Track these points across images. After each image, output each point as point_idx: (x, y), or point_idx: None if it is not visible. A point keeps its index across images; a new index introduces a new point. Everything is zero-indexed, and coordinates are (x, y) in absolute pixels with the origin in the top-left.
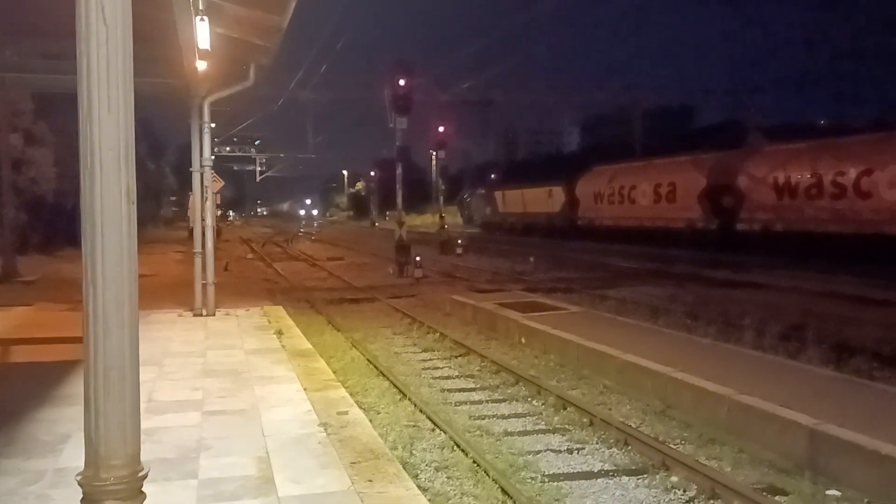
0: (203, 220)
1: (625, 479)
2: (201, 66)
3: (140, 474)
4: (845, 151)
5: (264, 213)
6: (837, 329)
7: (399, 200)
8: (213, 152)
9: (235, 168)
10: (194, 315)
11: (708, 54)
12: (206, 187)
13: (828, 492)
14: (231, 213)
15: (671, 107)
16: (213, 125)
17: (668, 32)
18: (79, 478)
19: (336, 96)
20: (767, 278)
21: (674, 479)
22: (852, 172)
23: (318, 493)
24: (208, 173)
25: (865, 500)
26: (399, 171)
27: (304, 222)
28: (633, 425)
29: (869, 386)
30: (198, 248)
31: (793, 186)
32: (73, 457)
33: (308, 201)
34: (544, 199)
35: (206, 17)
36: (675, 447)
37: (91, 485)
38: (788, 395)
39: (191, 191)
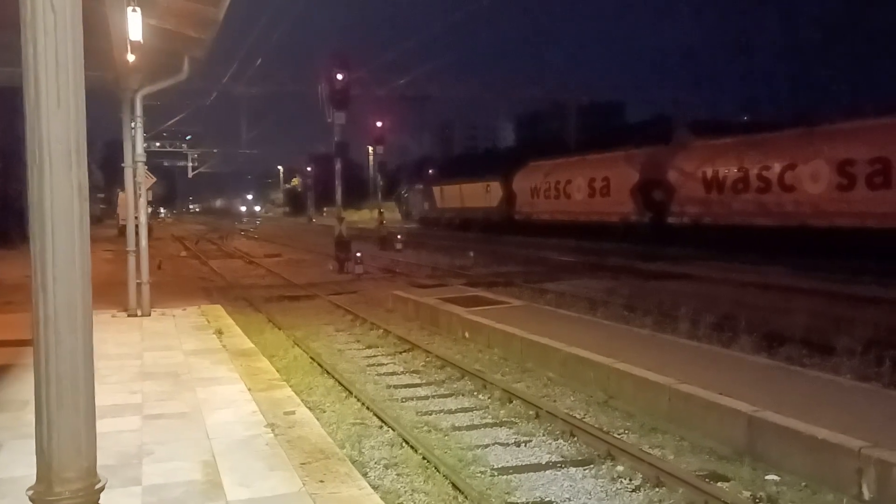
0: (136, 217)
1: (572, 469)
2: (132, 58)
3: (97, 486)
4: (770, 147)
5: (197, 209)
6: (768, 318)
7: (338, 196)
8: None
9: (166, 164)
10: (129, 315)
11: (638, 51)
12: (139, 183)
13: (767, 477)
14: (162, 210)
15: (603, 103)
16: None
17: (600, 30)
18: (30, 493)
19: (271, 91)
20: (699, 270)
21: (619, 468)
22: (777, 167)
23: (268, 497)
24: (141, 169)
25: (803, 483)
26: (338, 166)
27: (245, 220)
28: (578, 416)
29: (802, 373)
30: (131, 246)
31: (720, 181)
32: (6, 466)
33: (249, 196)
34: (482, 194)
35: (138, 8)
36: (619, 437)
37: (44, 500)
38: (726, 384)
39: (120, 187)
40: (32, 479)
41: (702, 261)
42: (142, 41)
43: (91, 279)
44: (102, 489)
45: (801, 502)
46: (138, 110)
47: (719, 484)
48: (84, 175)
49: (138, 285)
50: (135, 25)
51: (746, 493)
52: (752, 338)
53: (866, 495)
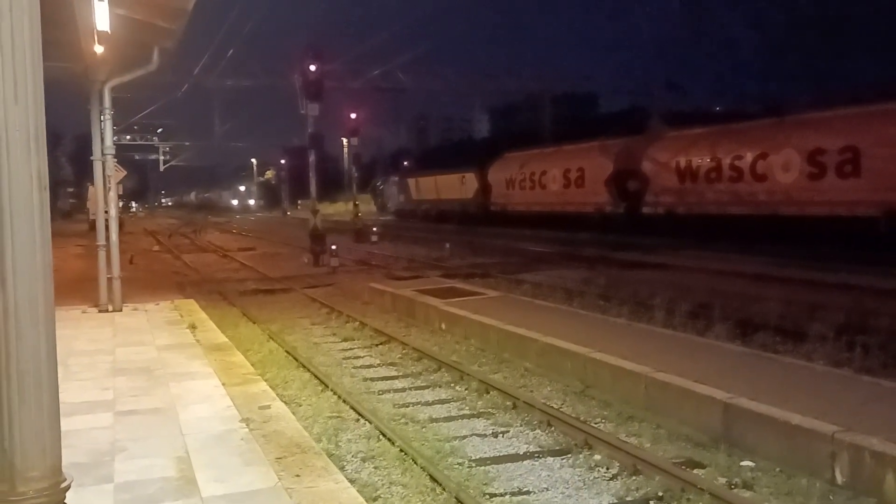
0: (106, 211)
1: (550, 459)
2: (100, 49)
3: (63, 485)
4: (742, 136)
5: (169, 203)
6: (741, 306)
7: (313, 188)
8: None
9: (137, 157)
10: (100, 311)
11: (612, 42)
12: (109, 177)
13: (742, 463)
14: (134, 204)
15: (578, 94)
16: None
17: (574, 21)
18: None
19: (243, 83)
20: (673, 259)
21: (597, 457)
22: (749, 156)
23: (243, 492)
24: (110, 162)
25: (778, 468)
26: (312, 158)
27: (238, 216)
28: (556, 406)
29: (776, 360)
30: (101, 241)
31: (694, 170)
32: None
33: (242, 188)
34: (457, 186)
35: None
36: (596, 426)
37: (7, 500)
38: (702, 371)
39: (90, 181)
40: None
41: (676, 250)
42: (109, 32)
43: (61, 274)
44: (68, 488)
45: (775, 487)
46: (107, 102)
47: (695, 471)
48: (44, 165)
49: (109, 280)
50: (102, 15)
51: (722, 480)
52: (726, 326)
53: (839, 479)
